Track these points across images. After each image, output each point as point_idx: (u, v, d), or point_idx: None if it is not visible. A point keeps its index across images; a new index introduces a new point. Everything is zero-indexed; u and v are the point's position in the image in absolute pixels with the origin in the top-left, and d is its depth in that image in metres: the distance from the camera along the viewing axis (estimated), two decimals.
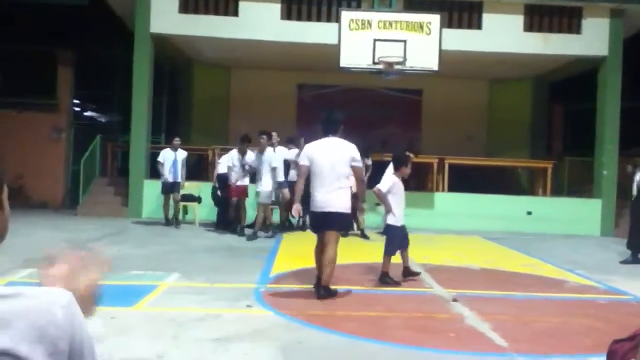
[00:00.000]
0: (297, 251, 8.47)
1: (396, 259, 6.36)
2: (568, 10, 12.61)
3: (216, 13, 12.41)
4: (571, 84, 15.04)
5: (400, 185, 6.33)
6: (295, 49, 12.97)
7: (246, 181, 9.82)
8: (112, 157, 14.09)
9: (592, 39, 12.54)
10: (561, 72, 14.57)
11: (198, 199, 11.19)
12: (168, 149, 10.84)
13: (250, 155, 9.65)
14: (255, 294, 5.54)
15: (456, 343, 4.35)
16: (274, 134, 9.88)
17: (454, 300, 5.63)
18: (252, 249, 8.53)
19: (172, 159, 10.60)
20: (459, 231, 11.35)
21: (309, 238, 9.80)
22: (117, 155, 14.47)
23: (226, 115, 15.93)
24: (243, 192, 9.79)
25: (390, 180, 6.28)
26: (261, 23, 12.29)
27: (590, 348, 4.12)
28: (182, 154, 10.77)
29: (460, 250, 9.31)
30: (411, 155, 8.23)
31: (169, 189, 10.60)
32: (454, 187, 12.79)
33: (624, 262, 8.54)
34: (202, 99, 15.67)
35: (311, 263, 7.30)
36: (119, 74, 14.47)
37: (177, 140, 10.82)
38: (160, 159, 10.69)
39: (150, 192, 11.55)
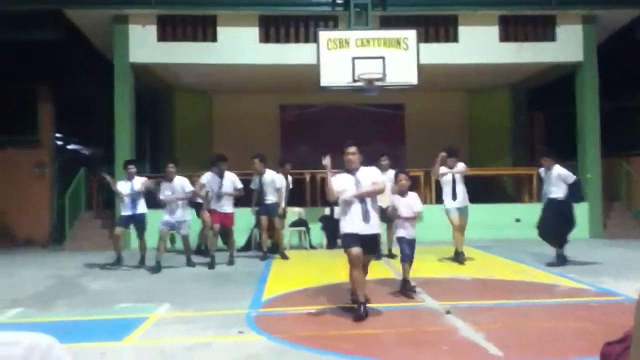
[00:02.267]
0: (288, 274, 8.43)
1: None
2: (541, 19, 12.84)
3: (194, 40, 12.48)
4: (550, 89, 15.23)
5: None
6: (275, 71, 13.05)
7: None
8: (97, 190, 13.97)
9: (567, 45, 12.75)
10: (538, 79, 14.77)
11: None
12: (122, 181, 9.33)
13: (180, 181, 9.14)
14: (246, 320, 5.48)
15: (450, 356, 4.32)
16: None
17: (447, 312, 5.61)
18: (242, 274, 8.46)
19: (128, 189, 9.14)
20: (449, 242, 11.35)
21: (298, 261, 9.80)
22: (102, 187, 14.35)
23: (210, 141, 15.93)
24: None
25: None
26: (240, 47, 12.37)
27: (583, 351, 4.12)
28: (139, 182, 9.21)
29: (451, 261, 9.30)
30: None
31: (125, 223, 9.25)
32: (441, 198, 12.80)
33: (551, 264, 8.62)
34: (184, 125, 15.65)
35: (303, 285, 7.32)
36: (100, 105, 14.43)
37: (131, 168, 9.25)
38: (120, 190, 9.21)
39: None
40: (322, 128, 15.27)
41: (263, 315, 5.71)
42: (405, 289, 6.52)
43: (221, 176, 9.25)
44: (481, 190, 13.98)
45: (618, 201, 14.03)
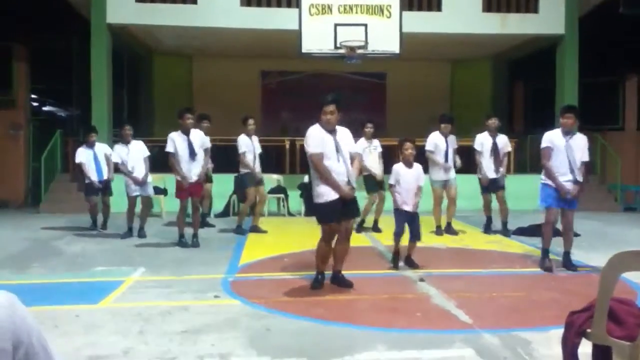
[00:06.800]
0: (265, 241, 8.47)
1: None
2: None
3: (174, 1, 12.21)
4: (531, 62, 15.27)
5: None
6: (256, 36, 12.86)
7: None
8: (73, 152, 13.75)
9: (549, 17, 12.76)
10: (520, 50, 14.79)
11: (164, 192, 11.04)
12: (82, 148, 9.27)
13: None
14: (222, 284, 5.52)
15: (423, 322, 4.42)
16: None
17: (421, 280, 5.72)
18: (220, 239, 8.49)
19: (91, 156, 9.13)
20: (426, 212, 11.47)
21: (276, 228, 9.83)
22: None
23: (189, 105, 15.71)
24: None
25: None
26: (220, 10, 12.14)
27: (550, 320, 4.23)
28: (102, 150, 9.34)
29: (427, 229, 9.41)
30: None
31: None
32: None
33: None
34: (164, 89, 15.44)
35: (280, 251, 7.37)
36: (76, 67, 14.13)
37: (92, 136, 9.32)
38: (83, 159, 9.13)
39: (115, 186, 11.33)
40: (303, 95, 15.16)
41: (239, 281, 5.76)
42: (412, 263, 6.37)
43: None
44: (461, 161, 14.11)
45: (593, 174, 14.26)
